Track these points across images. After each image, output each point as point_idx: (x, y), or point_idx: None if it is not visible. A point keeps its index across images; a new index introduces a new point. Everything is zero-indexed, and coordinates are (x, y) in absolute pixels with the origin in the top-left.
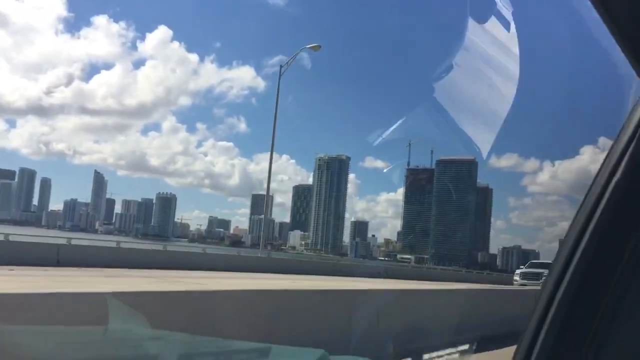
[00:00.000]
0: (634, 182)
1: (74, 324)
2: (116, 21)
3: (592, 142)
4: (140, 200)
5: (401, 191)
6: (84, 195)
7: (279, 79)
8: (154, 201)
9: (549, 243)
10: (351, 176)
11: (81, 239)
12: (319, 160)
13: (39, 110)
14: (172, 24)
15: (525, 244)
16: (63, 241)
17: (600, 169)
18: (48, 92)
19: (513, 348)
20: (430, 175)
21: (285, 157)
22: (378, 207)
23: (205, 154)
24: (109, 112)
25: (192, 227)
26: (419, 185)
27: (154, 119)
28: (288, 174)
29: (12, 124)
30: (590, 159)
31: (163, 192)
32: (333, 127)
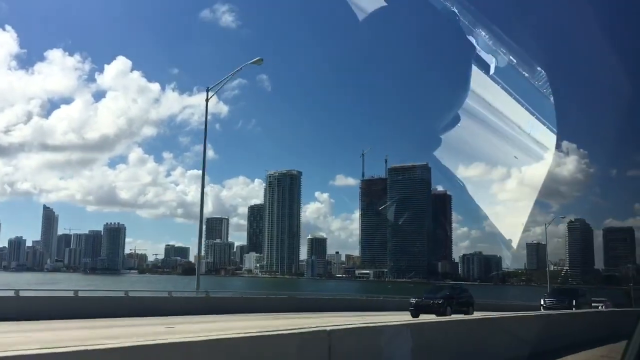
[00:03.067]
0: None
1: None
2: (71, 54)
3: (556, 147)
4: (87, 232)
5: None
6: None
7: (207, 103)
8: (102, 233)
9: (523, 249)
10: (324, 195)
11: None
12: (269, 177)
13: None
14: (129, 54)
15: (497, 251)
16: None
17: None
18: (6, 131)
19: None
20: (384, 185)
21: (258, 181)
22: (354, 225)
23: (176, 184)
24: (71, 147)
25: (151, 257)
26: (374, 197)
27: (119, 152)
28: (260, 198)
29: None
30: (554, 162)
31: (110, 223)
32: (299, 147)
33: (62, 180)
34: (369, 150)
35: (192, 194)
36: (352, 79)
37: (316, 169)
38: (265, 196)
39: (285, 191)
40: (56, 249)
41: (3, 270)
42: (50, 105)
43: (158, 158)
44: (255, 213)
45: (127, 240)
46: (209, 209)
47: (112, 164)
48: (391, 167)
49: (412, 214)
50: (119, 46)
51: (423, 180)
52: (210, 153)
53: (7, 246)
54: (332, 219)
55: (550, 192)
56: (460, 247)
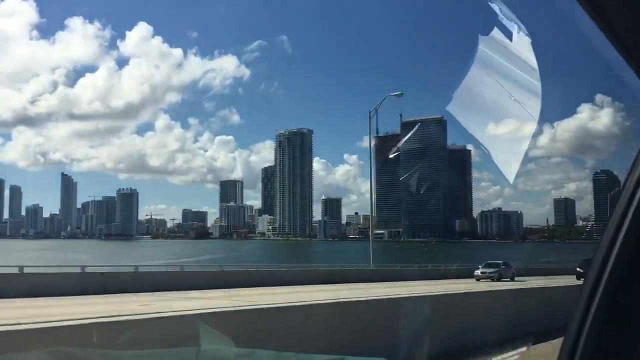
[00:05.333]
0: None
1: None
2: (91, 22)
3: (589, 100)
4: (101, 199)
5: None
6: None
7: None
8: (115, 199)
9: (550, 205)
10: (353, 157)
11: None
12: (280, 136)
13: (27, 120)
14: (148, 19)
15: (530, 209)
16: None
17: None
18: (33, 101)
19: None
20: (398, 141)
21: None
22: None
23: (205, 149)
24: (98, 116)
25: (169, 223)
26: (387, 154)
27: (145, 119)
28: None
29: (6, 137)
30: (588, 116)
31: (123, 188)
32: (323, 109)
33: (93, 149)
34: (381, 105)
35: (222, 159)
36: (374, 37)
37: (344, 130)
38: (275, 157)
39: (296, 151)
40: (77, 217)
41: (21, 238)
42: (75, 74)
43: (184, 124)
44: (269, 175)
45: (155, 206)
46: (238, 174)
47: (140, 132)
48: (404, 122)
49: (426, 170)
50: (137, 11)
51: (437, 134)
52: (235, 118)
53: (24, 214)
54: (361, 180)
55: (584, 148)
56: (494, 205)
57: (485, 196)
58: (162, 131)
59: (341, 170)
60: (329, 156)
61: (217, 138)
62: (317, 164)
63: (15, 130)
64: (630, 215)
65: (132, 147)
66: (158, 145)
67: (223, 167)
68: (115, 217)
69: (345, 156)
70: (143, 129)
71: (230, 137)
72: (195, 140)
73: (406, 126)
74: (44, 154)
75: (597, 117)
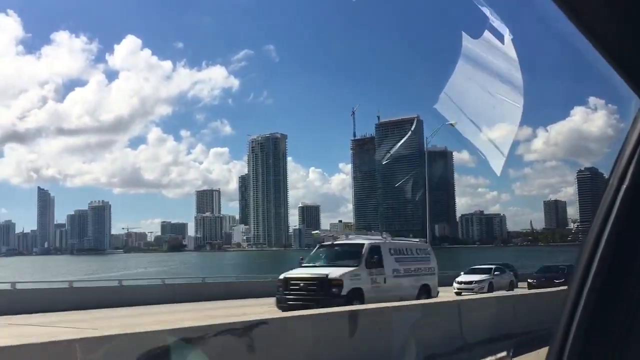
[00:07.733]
0: None
1: None
2: (77, 36)
3: (582, 103)
4: (73, 212)
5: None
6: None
7: None
8: (87, 212)
9: (541, 210)
10: (348, 167)
11: None
12: (252, 142)
13: (16, 136)
14: (137, 31)
15: (527, 215)
16: None
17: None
18: (22, 117)
19: (546, 349)
20: (374, 143)
21: None
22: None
23: (199, 162)
24: (88, 130)
25: (149, 236)
26: (365, 157)
27: (136, 132)
28: None
29: None
30: (582, 119)
31: (95, 201)
32: (315, 118)
33: (86, 164)
34: (358, 107)
35: (217, 171)
36: (359, 42)
37: (337, 138)
38: (248, 164)
39: (269, 157)
40: (54, 232)
41: None
42: (64, 89)
43: (177, 136)
44: (245, 183)
45: (152, 220)
46: (234, 186)
47: (132, 145)
48: (379, 123)
49: (405, 172)
50: (123, 24)
51: (414, 135)
52: (227, 129)
53: None
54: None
55: (578, 151)
56: (492, 211)
57: (482, 202)
58: (155, 144)
59: (337, 179)
60: (325, 165)
61: (212, 150)
62: (313, 174)
63: (7, 147)
64: (612, 218)
65: (125, 161)
66: (151, 159)
67: (219, 179)
68: (88, 231)
69: (341, 165)
70: (135, 143)
71: (225, 149)
72: (189, 153)
73: (381, 127)
74: (36, 170)
75: (590, 120)
